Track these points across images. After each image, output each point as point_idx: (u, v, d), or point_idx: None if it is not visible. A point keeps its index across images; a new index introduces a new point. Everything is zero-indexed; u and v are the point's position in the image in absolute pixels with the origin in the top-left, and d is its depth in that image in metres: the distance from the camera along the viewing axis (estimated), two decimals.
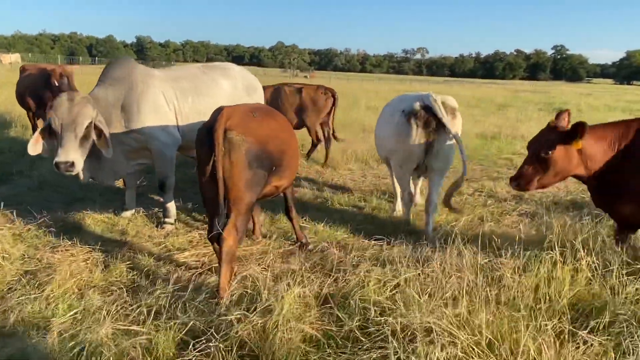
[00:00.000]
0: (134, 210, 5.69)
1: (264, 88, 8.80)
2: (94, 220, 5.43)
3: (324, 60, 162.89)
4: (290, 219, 4.95)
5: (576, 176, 4.25)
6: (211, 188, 3.71)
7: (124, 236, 5.09)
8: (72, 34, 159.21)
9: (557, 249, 3.81)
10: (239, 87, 5.78)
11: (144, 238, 5.06)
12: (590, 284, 3.69)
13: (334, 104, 9.51)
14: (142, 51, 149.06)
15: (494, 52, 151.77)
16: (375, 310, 3.16)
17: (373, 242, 5.18)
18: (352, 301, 3.26)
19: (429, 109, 4.89)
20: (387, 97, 28.14)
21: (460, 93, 36.76)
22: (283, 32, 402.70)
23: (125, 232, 5.19)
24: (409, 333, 2.91)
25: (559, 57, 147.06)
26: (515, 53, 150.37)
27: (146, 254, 4.55)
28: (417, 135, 4.94)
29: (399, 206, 6.30)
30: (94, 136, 4.54)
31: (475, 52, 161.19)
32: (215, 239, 3.78)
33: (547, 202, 6.93)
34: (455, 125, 5.05)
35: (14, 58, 42.30)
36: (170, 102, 5.20)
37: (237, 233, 3.73)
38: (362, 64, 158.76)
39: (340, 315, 3.11)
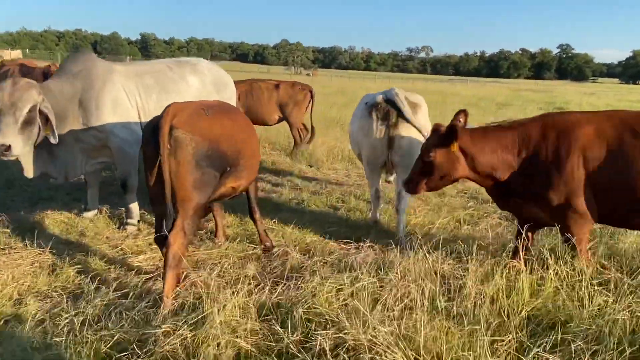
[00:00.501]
0: (96, 211, 5.50)
1: (238, 83, 8.62)
2: (54, 221, 5.24)
3: (328, 58, 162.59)
4: (254, 221, 4.75)
5: (469, 179, 4.03)
6: (157, 188, 3.52)
7: (81, 238, 4.90)
8: (77, 30, 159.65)
9: (521, 256, 3.57)
10: (208, 83, 5.57)
11: (102, 240, 4.86)
12: (557, 294, 3.46)
13: (311, 100, 9.38)
14: (146, 48, 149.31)
15: (499, 50, 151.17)
16: (319, 323, 2.95)
17: (342, 245, 4.98)
18: (296, 313, 3.04)
19: (390, 102, 4.89)
20: None
21: (462, 92, 36.59)
22: (288, 30, 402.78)
23: (84, 233, 5.00)
24: (349, 349, 2.70)
25: (564, 56, 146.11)
26: (520, 52, 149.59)
27: (99, 257, 4.36)
28: (378, 129, 4.93)
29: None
30: (39, 123, 4.31)
31: (480, 50, 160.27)
32: (162, 242, 3.58)
33: None
34: (417, 120, 4.93)
35: (15, 54, 42.05)
36: (132, 98, 5.00)
37: (184, 236, 3.53)
38: (366, 62, 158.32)
39: (277, 329, 2.89)
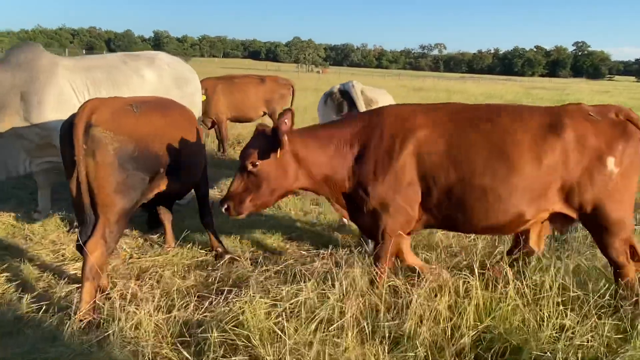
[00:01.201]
0: (49, 213, 5.22)
1: (217, 80, 8.31)
2: (1, 224, 4.98)
3: (340, 55, 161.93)
4: (204, 225, 4.44)
5: (308, 189, 3.51)
6: (76, 192, 3.22)
7: (26, 242, 4.63)
8: (91, 28, 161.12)
9: (476, 270, 3.20)
10: (166, 78, 5.25)
11: (45, 244, 4.59)
12: (515, 314, 3.10)
13: (292, 95, 9.16)
14: (160, 46, 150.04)
15: (513, 48, 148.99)
16: (233, 347, 2.63)
17: (302, 252, 4.66)
18: (212, 336, 2.71)
19: (345, 93, 4.91)
20: (390, 93, 27.47)
21: (471, 90, 35.91)
22: (300, 27, 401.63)
23: (30, 237, 4.73)
24: None
25: (580, 53, 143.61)
26: (534, 49, 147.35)
27: (35, 263, 4.09)
28: (332, 118, 4.84)
29: None
30: None
31: (494, 48, 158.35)
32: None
33: None
34: None
35: None
36: (80, 94, 4.71)
37: (104, 245, 3.23)
38: (379, 60, 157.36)
39: (185, 355, 2.57)
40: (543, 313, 3.02)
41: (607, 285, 3.20)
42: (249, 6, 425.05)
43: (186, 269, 4.13)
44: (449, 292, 3.04)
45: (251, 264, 4.14)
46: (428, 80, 55.74)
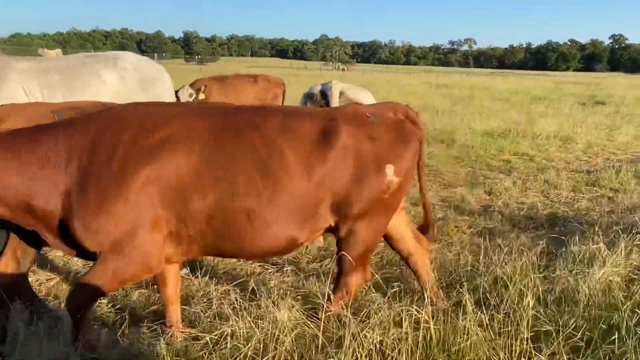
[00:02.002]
0: None
1: (209, 80, 8.04)
2: None
3: (367, 52, 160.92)
4: None
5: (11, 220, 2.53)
6: None
7: None
8: (123, 30, 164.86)
9: (425, 296, 2.76)
10: (130, 80, 4.95)
11: None
12: (475, 350, 2.65)
13: (283, 95, 8.81)
14: (189, 46, 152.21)
15: (547, 42, 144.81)
16: None
17: (262, 268, 4.29)
18: None
19: (324, 94, 4.69)
20: (410, 90, 26.83)
21: (497, 85, 34.83)
22: (327, 25, 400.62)
23: None
24: None
25: (617, 47, 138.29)
26: (569, 43, 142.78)
27: None
28: None
29: None
30: None
31: (526, 42, 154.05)
32: None
33: (518, 217, 5.77)
34: None
35: (53, 53, 43.21)
36: (33, 98, 4.46)
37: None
38: (407, 56, 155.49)
39: None
40: (511, 350, 2.58)
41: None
42: (278, 5, 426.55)
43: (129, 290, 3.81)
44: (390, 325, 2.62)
45: (200, 282, 3.80)
46: (455, 76, 54.58)
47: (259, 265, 4.32)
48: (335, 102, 4.76)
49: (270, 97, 8.62)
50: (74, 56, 5.21)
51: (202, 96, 7.42)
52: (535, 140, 11.09)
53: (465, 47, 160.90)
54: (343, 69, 77.02)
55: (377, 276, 3.37)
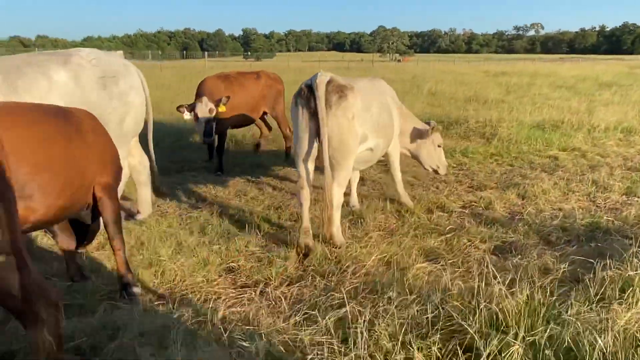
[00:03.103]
0: None
1: (213, 79, 7.55)
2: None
3: (426, 42, 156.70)
4: (113, 250, 3.68)
5: None
6: None
7: None
8: (186, 30, 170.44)
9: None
10: (85, 78, 4.46)
11: None
12: None
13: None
14: (248, 43, 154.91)
15: (622, 24, 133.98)
16: None
17: (235, 287, 3.77)
18: None
19: (310, 87, 4.35)
20: (463, 79, 25.34)
21: (562, 72, 32.30)
22: (385, 17, 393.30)
23: None
24: None
25: None
26: None
27: None
28: (303, 117, 4.39)
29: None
30: None
31: (600, 25, 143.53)
32: None
33: (548, 228, 4.87)
34: (344, 107, 4.33)
35: (117, 56, 44.90)
36: None
37: None
38: (468, 44, 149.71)
39: None
40: None
41: None
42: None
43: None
44: None
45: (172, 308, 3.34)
46: (518, 63, 51.49)
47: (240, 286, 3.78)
48: (321, 93, 4.24)
49: (274, 93, 8.02)
50: (21, 55, 4.79)
51: (222, 108, 6.76)
52: (592, 133, 9.84)
53: (531, 33, 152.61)
54: (398, 60, 75.25)
55: None
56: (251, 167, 7.73)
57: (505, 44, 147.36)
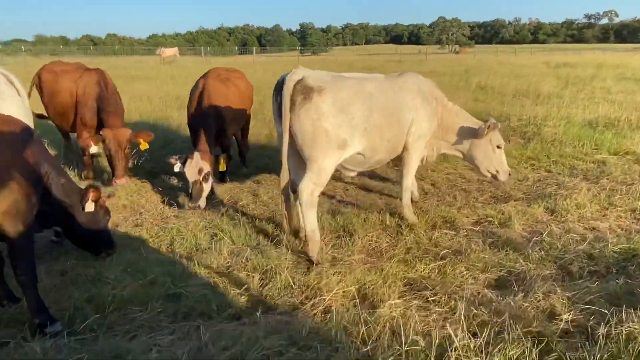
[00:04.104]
0: None
1: (214, 77, 6.88)
2: None
3: (489, 32, 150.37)
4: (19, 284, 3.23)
5: None
6: None
7: None
8: (245, 26, 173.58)
9: None
10: None
11: None
12: None
13: None
14: (304, 38, 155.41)
15: None
16: None
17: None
18: None
19: (280, 84, 4.23)
20: (519, 72, 23.61)
21: (633, 63, 29.53)
22: (445, 7, 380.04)
23: None
24: None
25: None
26: None
27: None
28: (276, 113, 4.37)
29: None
30: None
31: None
32: None
33: (572, 254, 4.01)
34: (307, 108, 4.11)
35: (171, 52, 45.72)
36: None
37: None
38: (534, 34, 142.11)
39: None
40: None
41: None
42: None
43: None
44: None
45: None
46: (587, 54, 47.95)
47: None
48: (286, 91, 4.07)
49: (251, 90, 7.31)
50: None
51: (222, 167, 5.92)
52: None
53: (604, 21, 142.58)
54: (457, 52, 72.56)
55: None
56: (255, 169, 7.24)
57: (575, 33, 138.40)
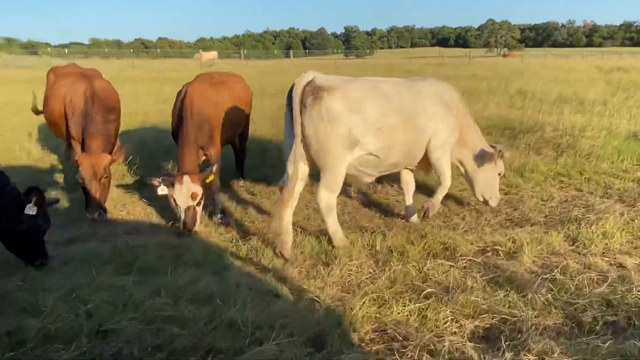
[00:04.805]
0: None
1: (207, 82, 6.48)
2: None
3: (540, 35, 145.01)
4: None
5: None
6: None
7: None
8: (290, 29, 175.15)
9: None
10: None
11: None
12: None
13: None
14: (349, 41, 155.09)
15: None
16: None
17: None
18: None
19: (291, 88, 4.19)
20: (566, 77, 22.16)
21: None
22: (495, 9, 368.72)
23: None
24: None
25: None
26: None
27: None
28: (287, 116, 4.30)
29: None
30: None
31: None
32: None
33: (583, 302, 3.32)
34: (318, 108, 4.09)
35: (210, 56, 46.28)
36: None
37: None
38: (589, 37, 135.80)
39: None
40: None
41: None
42: None
43: None
44: None
45: None
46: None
47: None
48: (296, 93, 4.10)
49: (250, 96, 6.77)
50: None
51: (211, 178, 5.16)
52: None
53: None
54: (504, 55, 70.22)
55: None
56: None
57: (634, 36, 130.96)
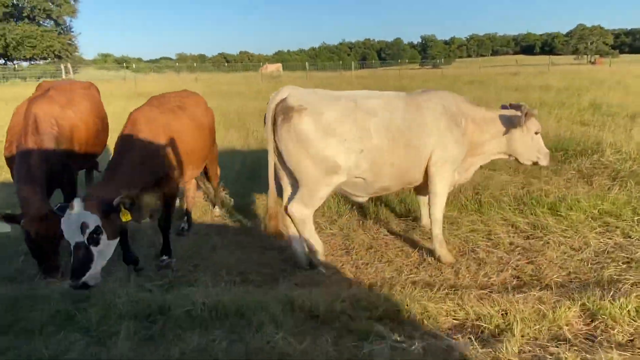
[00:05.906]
0: None
1: (160, 108, 5.49)
2: None
3: (638, 40, 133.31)
4: None
5: None
6: None
7: None
8: (366, 40, 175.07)
9: None
10: None
11: None
12: None
13: None
14: (425, 50, 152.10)
15: None
16: None
17: None
18: None
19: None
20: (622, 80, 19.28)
21: None
22: (586, 13, 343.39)
23: None
24: None
25: None
26: None
27: None
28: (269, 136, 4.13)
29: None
30: None
31: None
32: None
33: None
34: (286, 129, 3.92)
35: (274, 67, 45.86)
36: None
37: None
38: None
39: None
40: None
41: None
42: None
43: None
44: None
45: None
46: None
47: None
48: (268, 111, 4.01)
49: (213, 119, 5.74)
50: None
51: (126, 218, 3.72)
52: None
53: None
54: (593, 62, 64.97)
55: None
56: None
57: None
